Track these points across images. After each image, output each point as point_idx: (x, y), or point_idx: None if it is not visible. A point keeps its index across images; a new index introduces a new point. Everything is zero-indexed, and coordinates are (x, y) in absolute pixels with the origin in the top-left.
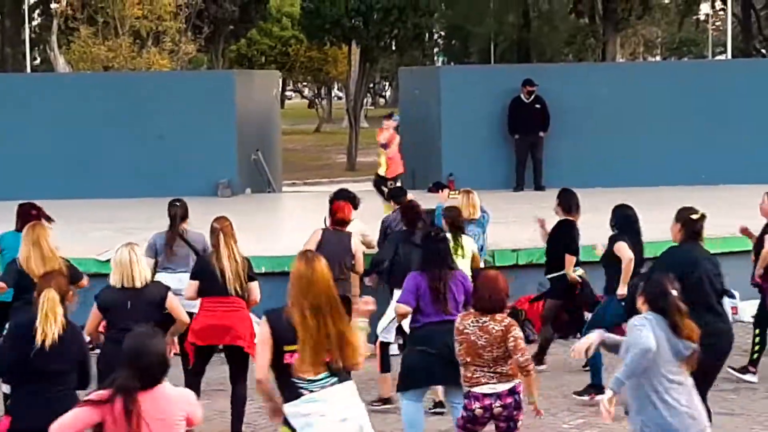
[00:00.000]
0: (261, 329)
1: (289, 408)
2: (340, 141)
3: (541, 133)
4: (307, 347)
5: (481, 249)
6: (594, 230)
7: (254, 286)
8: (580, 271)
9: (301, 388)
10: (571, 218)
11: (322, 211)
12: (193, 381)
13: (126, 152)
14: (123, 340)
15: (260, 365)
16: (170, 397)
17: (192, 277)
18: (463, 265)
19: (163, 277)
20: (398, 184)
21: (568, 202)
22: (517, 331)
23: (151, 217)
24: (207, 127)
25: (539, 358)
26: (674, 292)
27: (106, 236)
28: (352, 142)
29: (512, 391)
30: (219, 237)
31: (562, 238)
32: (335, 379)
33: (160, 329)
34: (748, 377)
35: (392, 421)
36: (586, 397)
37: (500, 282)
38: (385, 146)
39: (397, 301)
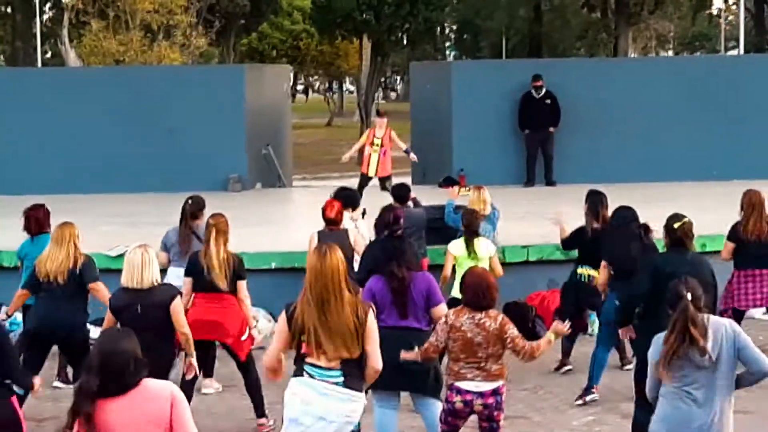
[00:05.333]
0: (279, 319)
1: (290, 382)
2: (351, 135)
3: (551, 129)
4: (312, 340)
5: None
6: None
7: (241, 285)
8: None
9: (305, 369)
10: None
11: None
12: (187, 383)
13: (136, 147)
14: None
15: (269, 352)
16: (152, 394)
17: (185, 274)
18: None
19: (173, 271)
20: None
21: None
22: (512, 330)
23: (162, 212)
24: (217, 122)
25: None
26: (689, 296)
27: (116, 231)
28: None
29: (495, 392)
30: (210, 233)
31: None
32: (342, 379)
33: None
34: None
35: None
36: (579, 402)
37: (488, 279)
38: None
39: None
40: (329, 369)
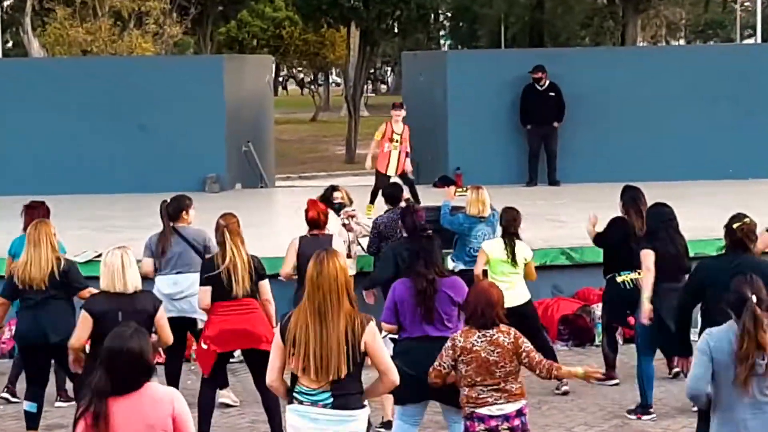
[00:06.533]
0: (275, 334)
1: (286, 411)
2: (338, 131)
3: (555, 124)
4: (301, 352)
5: None
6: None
7: (264, 284)
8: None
9: (295, 396)
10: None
11: None
12: (208, 392)
13: (106, 144)
14: None
15: (270, 369)
16: (154, 398)
17: (202, 283)
18: (514, 275)
19: (158, 280)
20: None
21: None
22: (527, 344)
23: (136, 214)
24: (194, 117)
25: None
26: (754, 298)
27: (87, 235)
28: (351, 132)
29: (520, 413)
30: (225, 235)
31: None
32: (331, 400)
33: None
34: None
35: None
36: (633, 417)
37: (488, 295)
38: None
39: (381, 318)
40: (318, 391)
